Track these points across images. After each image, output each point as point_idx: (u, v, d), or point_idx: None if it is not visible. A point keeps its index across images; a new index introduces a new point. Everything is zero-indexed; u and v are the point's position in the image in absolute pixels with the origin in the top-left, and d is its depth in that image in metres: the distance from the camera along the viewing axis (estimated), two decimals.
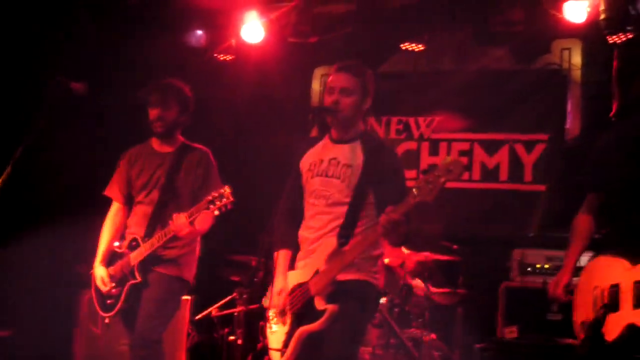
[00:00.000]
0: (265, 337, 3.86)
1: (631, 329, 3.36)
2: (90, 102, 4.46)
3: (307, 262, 3.76)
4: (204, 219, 4.49)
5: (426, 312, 5.61)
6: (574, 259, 3.76)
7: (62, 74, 4.18)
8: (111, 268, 4.60)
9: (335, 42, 6.98)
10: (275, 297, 3.79)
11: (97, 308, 4.67)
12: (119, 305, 4.53)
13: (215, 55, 7.08)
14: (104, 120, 6.52)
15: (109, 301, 4.58)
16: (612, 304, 3.43)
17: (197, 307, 6.11)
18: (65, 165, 6.20)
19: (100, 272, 4.61)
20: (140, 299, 4.47)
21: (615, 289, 3.44)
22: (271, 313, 3.84)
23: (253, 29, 6.65)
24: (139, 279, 4.46)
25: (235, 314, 5.79)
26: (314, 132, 4.08)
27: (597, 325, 3.41)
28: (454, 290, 5.82)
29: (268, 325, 3.85)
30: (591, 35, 6.26)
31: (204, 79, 7.22)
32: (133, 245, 4.55)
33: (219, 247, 6.56)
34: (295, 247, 3.90)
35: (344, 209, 3.70)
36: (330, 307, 3.59)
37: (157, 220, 4.53)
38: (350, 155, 3.77)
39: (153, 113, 4.65)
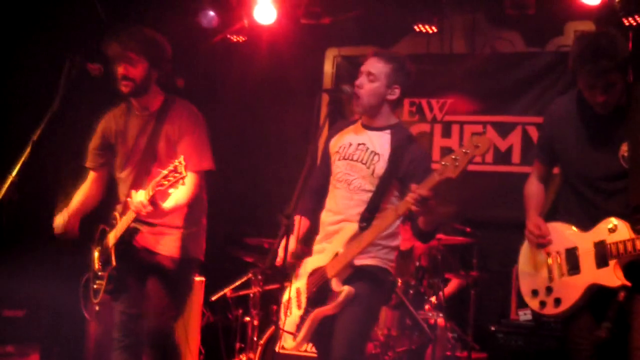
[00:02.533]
0: (279, 318, 3.82)
1: (593, 288, 3.47)
2: (106, 84, 4.39)
3: (327, 247, 3.77)
4: (166, 196, 3.91)
5: (440, 293, 5.62)
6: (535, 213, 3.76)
7: (79, 55, 4.12)
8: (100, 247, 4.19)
9: (348, 23, 6.98)
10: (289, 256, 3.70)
11: (90, 292, 4.25)
12: (101, 292, 4.10)
13: (227, 36, 7.07)
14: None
15: (96, 285, 4.17)
16: (574, 267, 3.51)
17: (211, 288, 6.13)
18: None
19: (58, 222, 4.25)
20: (145, 289, 4.07)
21: (573, 251, 3.53)
22: (288, 299, 3.84)
23: (265, 10, 6.63)
24: (113, 263, 4.01)
25: (251, 294, 5.81)
26: (322, 115, 4.03)
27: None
28: (467, 272, 5.84)
29: (284, 305, 3.85)
30: (605, 17, 6.23)
31: (216, 61, 7.25)
32: (113, 224, 4.13)
33: (232, 229, 6.60)
34: (314, 221, 3.92)
35: (367, 196, 3.70)
36: (347, 289, 3.61)
37: (140, 188, 3.94)
38: (379, 143, 3.75)
39: (117, 70, 4.07)
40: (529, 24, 6.63)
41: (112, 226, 4.14)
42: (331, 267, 3.66)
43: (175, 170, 3.68)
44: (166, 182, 3.69)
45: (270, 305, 5.58)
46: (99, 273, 4.17)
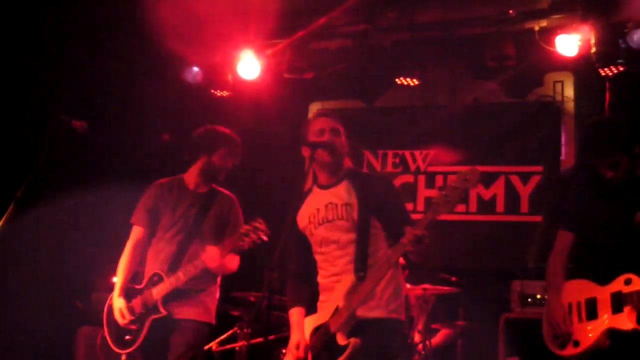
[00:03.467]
0: None
1: (610, 332, 3.77)
2: (91, 141, 4.43)
3: (326, 303, 3.74)
4: (233, 259, 4.51)
5: (427, 343, 5.60)
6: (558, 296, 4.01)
7: (64, 113, 4.18)
8: (132, 301, 4.45)
9: (331, 78, 7.07)
10: (292, 352, 3.74)
11: (111, 344, 4.49)
12: (139, 341, 4.37)
13: (212, 91, 7.14)
14: (104, 158, 6.56)
15: (127, 337, 4.42)
16: (592, 314, 3.83)
17: None
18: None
19: (119, 304, 4.45)
20: (168, 343, 4.35)
21: (592, 300, 3.87)
22: None
23: (249, 66, 6.73)
24: (163, 312, 4.34)
25: (237, 348, 5.77)
26: (308, 184, 4.06)
27: None
28: (453, 322, 5.83)
29: None
30: (583, 68, 6.36)
31: (201, 115, 7.30)
32: (155, 281, 4.43)
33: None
34: (307, 304, 3.90)
35: (354, 247, 3.70)
36: (353, 341, 3.53)
37: (180, 258, 4.44)
38: (345, 194, 3.79)
39: (225, 161, 4.68)
40: (509, 75, 6.74)
41: (155, 283, 4.41)
42: (333, 321, 3.61)
43: (256, 229, 4.16)
44: (246, 239, 4.17)
45: (257, 358, 5.53)
46: (130, 325, 4.41)
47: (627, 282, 3.78)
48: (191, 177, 4.67)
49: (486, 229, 6.72)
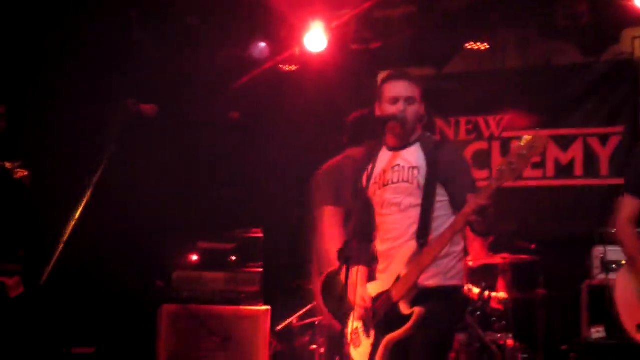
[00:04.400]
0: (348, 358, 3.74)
1: None
2: (161, 123, 4.45)
3: (388, 270, 3.72)
4: None
5: (508, 314, 5.51)
6: None
7: (132, 96, 4.21)
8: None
9: (398, 46, 6.97)
10: (359, 309, 3.74)
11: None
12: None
13: (279, 65, 7.12)
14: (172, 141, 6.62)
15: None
16: None
17: (277, 318, 6.14)
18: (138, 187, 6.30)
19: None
20: None
21: None
22: (356, 326, 3.78)
23: (316, 38, 6.67)
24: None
25: (317, 322, 5.79)
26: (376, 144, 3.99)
27: None
28: (534, 291, 5.72)
29: (350, 344, 3.78)
30: None
31: (269, 90, 7.31)
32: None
33: (294, 258, 6.61)
34: (369, 264, 3.88)
35: (417, 211, 3.66)
36: (417, 310, 3.51)
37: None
38: (413, 158, 3.74)
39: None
40: (583, 33, 6.52)
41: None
42: (396, 290, 3.59)
43: None
44: None
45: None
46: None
47: None
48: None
49: (565, 193, 6.55)
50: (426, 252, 3.53)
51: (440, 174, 3.66)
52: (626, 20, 6.30)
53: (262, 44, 6.97)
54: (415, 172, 3.69)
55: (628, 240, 3.76)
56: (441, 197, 3.68)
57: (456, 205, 3.57)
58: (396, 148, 3.82)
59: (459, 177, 3.64)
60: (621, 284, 3.72)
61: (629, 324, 3.62)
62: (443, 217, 3.65)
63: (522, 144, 3.15)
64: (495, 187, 3.24)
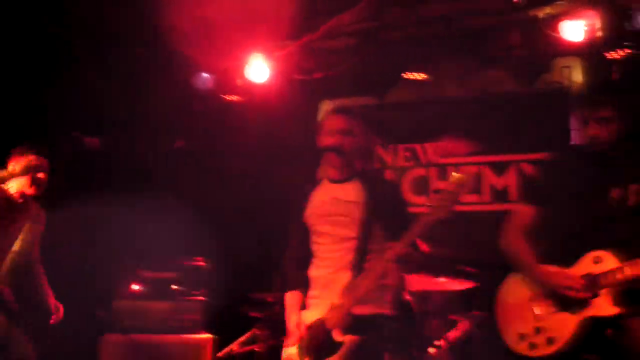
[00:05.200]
0: None
1: (587, 321, 3.40)
2: (104, 154, 4.49)
3: (322, 299, 3.81)
4: None
5: (444, 335, 5.61)
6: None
7: (76, 130, 4.25)
8: None
9: (340, 76, 7.10)
10: (294, 332, 3.83)
11: None
12: None
13: (221, 96, 7.21)
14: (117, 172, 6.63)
15: None
16: (564, 303, 3.45)
17: (219, 345, 6.16)
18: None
19: None
20: None
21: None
22: (291, 352, 3.85)
23: (258, 69, 6.78)
24: None
25: (257, 349, 5.83)
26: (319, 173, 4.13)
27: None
28: (470, 314, 5.83)
29: None
30: (590, 52, 6.33)
31: (212, 121, 7.39)
32: None
33: (236, 285, 6.65)
34: (305, 288, 3.97)
35: (353, 244, 3.78)
36: (349, 338, 3.64)
37: None
38: (353, 193, 3.86)
39: None
40: (517, 63, 6.73)
41: None
42: (330, 318, 3.70)
43: None
44: None
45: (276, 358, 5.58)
46: None
47: (597, 260, 3.43)
48: None
49: (500, 218, 6.69)
50: (360, 284, 3.64)
51: (377, 209, 3.78)
52: (556, 50, 6.52)
53: (205, 75, 7.06)
54: (352, 206, 3.81)
55: (522, 248, 3.81)
56: (378, 230, 3.79)
57: (391, 237, 3.67)
58: (336, 181, 3.93)
59: (395, 217, 3.76)
60: (509, 292, 3.79)
61: (510, 336, 3.63)
62: (379, 251, 3.74)
63: (452, 181, 3.31)
64: (422, 225, 3.43)
